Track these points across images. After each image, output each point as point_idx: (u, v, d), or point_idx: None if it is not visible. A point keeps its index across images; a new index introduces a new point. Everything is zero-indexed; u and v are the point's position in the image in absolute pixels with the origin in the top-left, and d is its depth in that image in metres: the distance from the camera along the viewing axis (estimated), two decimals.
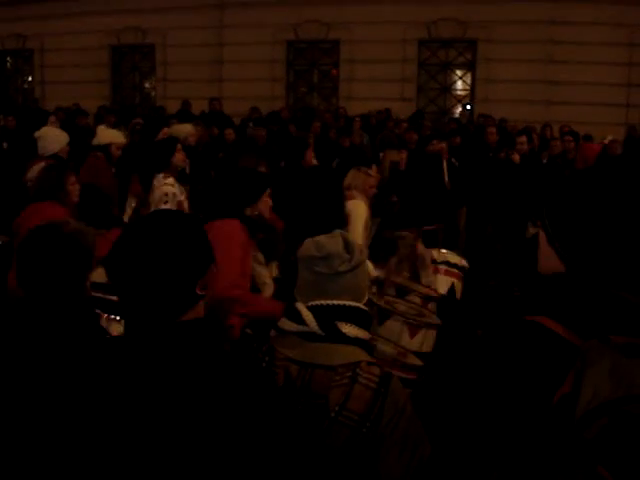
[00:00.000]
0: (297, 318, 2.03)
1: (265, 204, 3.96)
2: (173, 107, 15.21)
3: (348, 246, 2.07)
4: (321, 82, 17.63)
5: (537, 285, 1.67)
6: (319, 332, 1.99)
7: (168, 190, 5.60)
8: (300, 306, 2.05)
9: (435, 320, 3.87)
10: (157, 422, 1.51)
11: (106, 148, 6.71)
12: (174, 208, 5.40)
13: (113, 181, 6.67)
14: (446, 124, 12.75)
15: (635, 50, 14.89)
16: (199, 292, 1.65)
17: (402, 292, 4.61)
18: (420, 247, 4.99)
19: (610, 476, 1.21)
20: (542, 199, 1.68)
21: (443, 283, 5.12)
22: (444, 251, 5.27)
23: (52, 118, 9.33)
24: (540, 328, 1.50)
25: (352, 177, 5.96)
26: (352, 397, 1.91)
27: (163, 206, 5.52)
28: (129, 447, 1.51)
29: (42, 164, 5.67)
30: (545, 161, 9.53)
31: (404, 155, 8.57)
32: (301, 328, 2.01)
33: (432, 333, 3.83)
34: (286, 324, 2.06)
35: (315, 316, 2.00)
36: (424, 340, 3.76)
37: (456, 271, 5.07)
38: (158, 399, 1.53)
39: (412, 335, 3.74)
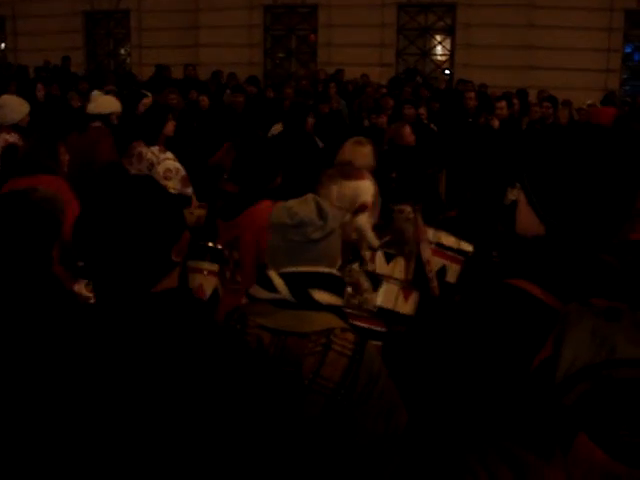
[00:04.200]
0: (269, 285, 1.98)
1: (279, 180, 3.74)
2: (148, 74, 14.98)
3: (321, 212, 2.01)
4: (299, 48, 17.49)
5: (516, 248, 1.64)
6: (291, 299, 1.95)
7: (171, 165, 5.20)
8: (272, 273, 2.00)
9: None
10: (133, 398, 1.45)
11: (106, 117, 6.19)
12: (179, 184, 5.10)
13: (114, 154, 6.05)
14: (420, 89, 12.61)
15: (615, 15, 14.90)
16: (175, 259, 1.59)
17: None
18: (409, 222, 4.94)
19: (591, 442, 1.19)
20: (522, 160, 1.64)
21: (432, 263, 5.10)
22: (442, 233, 5.25)
23: (12, 87, 9.05)
24: (518, 291, 1.48)
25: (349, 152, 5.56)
26: (326, 364, 1.88)
27: (165, 182, 4.95)
28: (101, 424, 1.46)
29: (7, 136, 5.51)
30: (525, 127, 9.51)
31: (383, 120, 8.52)
32: (273, 295, 1.97)
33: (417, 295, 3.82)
34: (258, 291, 2.02)
35: (287, 283, 1.96)
36: (414, 303, 3.77)
37: (450, 254, 5.04)
38: (134, 373, 1.47)
39: (406, 297, 3.74)
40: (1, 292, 2.14)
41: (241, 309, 2.13)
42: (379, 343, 2.91)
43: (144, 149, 5.35)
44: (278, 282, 1.97)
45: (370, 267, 3.81)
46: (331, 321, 1.96)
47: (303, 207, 2.01)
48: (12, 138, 5.60)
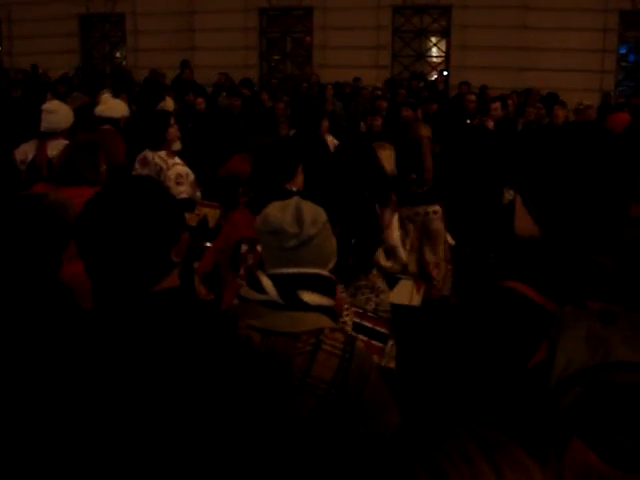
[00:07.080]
0: (258, 287, 1.98)
1: (301, 179, 3.73)
2: (144, 77, 14.97)
3: (299, 218, 1.98)
4: (294, 50, 17.52)
5: (512, 250, 1.63)
6: (280, 301, 1.95)
7: (182, 170, 5.14)
8: (260, 275, 2.00)
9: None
10: (134, 398, 1.45)
11: (116, 121, 6.14)
12: (189, 189, 5.07)
13: (124, 159, 5.90)
14: (420, 90, 12.65)
15: (610, 16, 14.93)
16: (175, 259, 1.60)
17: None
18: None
19: (586, 446, 1.18)
20: (518, 161, 1.64)
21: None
22: None
23: (49, 95, 8.92)
24: (513, 294, 1.46)
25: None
26: (316, 364, 1.87)
27: (178, 188, 4.96)
28: (100, 423, 1.46)
29: (63, 142, 4.97)
30: (521, 128, 9.52)
31: (379, 122, 8.51)
32: (262, 297, 1.97)
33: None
34: (248, 293, 2.02)
35: (275, 285, 1.96)
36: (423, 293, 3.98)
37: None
38: (134, 374, 1.47)
39: (418, 289, 3.95)
40: (7, 294, 2.15)
41: (232, 310, 2.13)
42: (380, 344, 2.94)
43: (149, 154, 5.26)
44: (267, 283, 1.97)
45: (385, 264, 3.93)
46: (320, 321, 1.96)
47: (278, 214, 2.00)
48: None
